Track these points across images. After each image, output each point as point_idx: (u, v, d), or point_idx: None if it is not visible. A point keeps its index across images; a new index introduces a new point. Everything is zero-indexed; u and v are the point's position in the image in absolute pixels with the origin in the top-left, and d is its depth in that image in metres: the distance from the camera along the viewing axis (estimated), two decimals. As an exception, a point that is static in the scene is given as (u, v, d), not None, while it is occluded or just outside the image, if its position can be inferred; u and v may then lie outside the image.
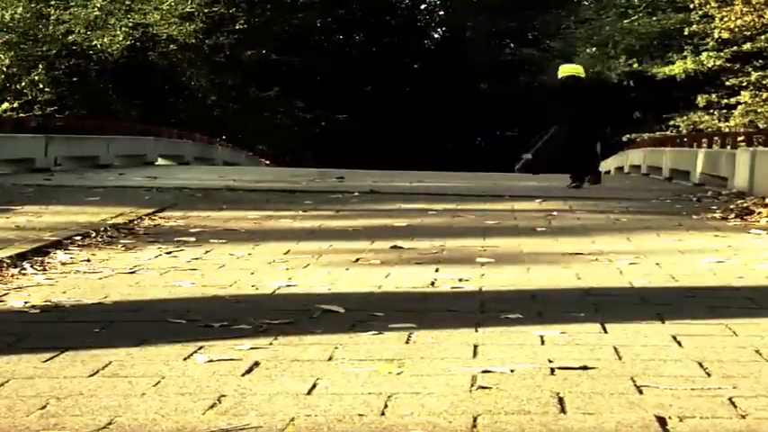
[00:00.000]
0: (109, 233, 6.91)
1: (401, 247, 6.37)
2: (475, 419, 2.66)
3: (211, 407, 2.79)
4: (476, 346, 3.53)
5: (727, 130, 28.08)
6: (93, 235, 6.73)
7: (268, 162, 32.27)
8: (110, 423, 2.64)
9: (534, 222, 8.15)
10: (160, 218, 8.15)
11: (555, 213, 8.94)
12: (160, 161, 21.70)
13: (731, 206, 9.51)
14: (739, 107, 30.84)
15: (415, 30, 48.17)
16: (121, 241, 6.61)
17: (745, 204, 9.55)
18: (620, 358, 3.38)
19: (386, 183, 13.16)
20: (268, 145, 39.16)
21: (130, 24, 32.46)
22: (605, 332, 3.80)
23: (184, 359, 3.34)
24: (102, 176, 14.01)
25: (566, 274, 5.36)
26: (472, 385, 3.00)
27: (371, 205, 9.73)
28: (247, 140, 35.67)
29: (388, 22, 47.45)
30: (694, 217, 8.80)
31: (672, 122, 33.75)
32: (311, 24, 42.79)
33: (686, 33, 30.26)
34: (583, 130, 13.22)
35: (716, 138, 18.06)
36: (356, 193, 10.97)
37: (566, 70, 13.59)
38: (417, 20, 49.30)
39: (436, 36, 50.35)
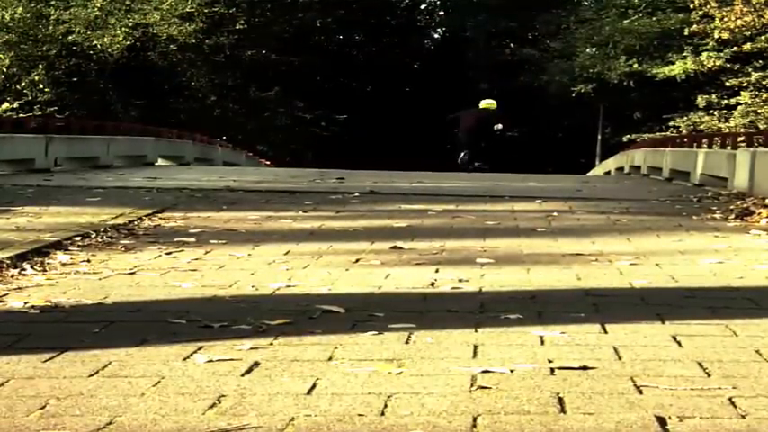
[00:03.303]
0: (109, 234, 6.91)
1: (401, 248, 6.37)
2: (475, 419, 2.66)
3: (211, 407, 2.79)
4: (476, 347, 3.53)
5: (727, 130, 28.08)
6: (93, 236, 6.73)
7: (268, 162, 32.24)
8: (110, 423, 2.64)
9: (534, 223, 8.15)
10: (160, 218, 8.15)
11: (555, 214, 8.94)
12: (160, 162, 21.67)
13: (731, 207, 9.50)
14: (739, 108, 30.85)
15: (414, 30, 48.17)
16: (121, 242, 6.61)
17: (745, 205, 9.54)
18: (619, 358, 3.38)
19: (386, 183, 13.15)
20: (268, 145, 39.15)
21: (130, 24, 32.46)
22: (605, 332, 3.80)
23: (184, 359, 3.34)
24: (102, 177, 14.00)
25: (566, 275, 5.35)
26: (472, 385, 3.00)
27: (371, 206, 9.73)
28: (247, 141, 35.63)
29: (389, 22, 47.42)
30: (694, 218, 8.80)
31: (672, 123, 33.77)
32: (311, 24, 42.77)
33: (686, 33, 30.26)
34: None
35: (716, 138, 18.02)
36: (356, 194, 10.97)
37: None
38: (417, 20, 49.31)
39: (436, 36, 50.38)
